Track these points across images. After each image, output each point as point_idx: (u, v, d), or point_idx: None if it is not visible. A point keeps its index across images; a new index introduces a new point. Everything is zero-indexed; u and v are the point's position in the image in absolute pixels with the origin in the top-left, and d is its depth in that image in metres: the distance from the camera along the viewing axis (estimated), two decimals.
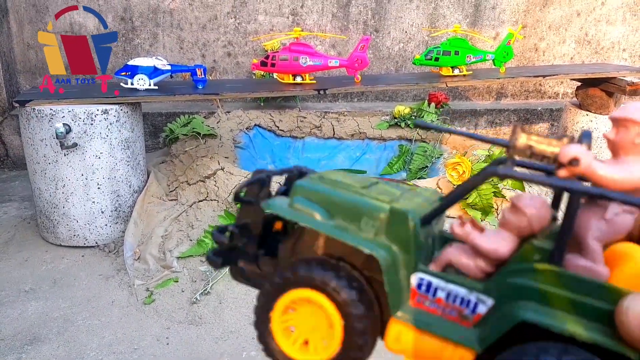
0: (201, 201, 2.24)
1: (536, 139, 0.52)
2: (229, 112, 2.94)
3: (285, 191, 0.69)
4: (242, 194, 0.67)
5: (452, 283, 0.56)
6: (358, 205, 0.58)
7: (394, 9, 3.32)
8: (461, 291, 0.55)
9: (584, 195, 0.50)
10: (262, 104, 3.13)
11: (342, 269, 0.59)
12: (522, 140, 0.52)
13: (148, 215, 2.25)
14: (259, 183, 0.66)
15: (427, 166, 2.78)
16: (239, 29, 3.20)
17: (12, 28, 2.97)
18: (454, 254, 0.57)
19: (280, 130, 2.99)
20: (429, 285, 0.56)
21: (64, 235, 2.19)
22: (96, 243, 2.21)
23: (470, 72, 2.62)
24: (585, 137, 0.55)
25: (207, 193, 2.25)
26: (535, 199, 0.54)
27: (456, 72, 2.59)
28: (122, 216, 2.24)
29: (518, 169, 0.56)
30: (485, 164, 2.15)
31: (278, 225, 0.69)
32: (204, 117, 2.89)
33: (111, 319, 1.78)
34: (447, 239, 0.63)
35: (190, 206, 2.24)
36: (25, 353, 1.62)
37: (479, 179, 0.55)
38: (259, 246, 0.67)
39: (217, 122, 2.85)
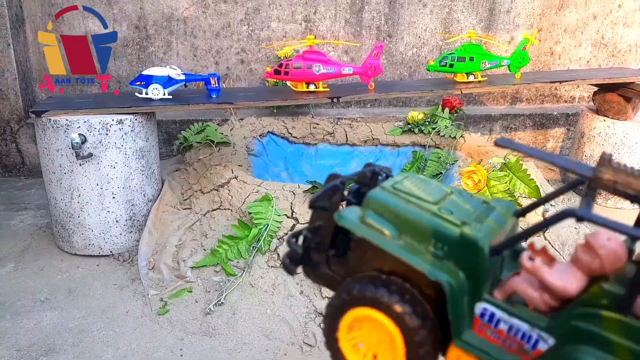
0: (215, 210, 2.24)
1: (623, 173, 0.50)
2: (242, 119, 2.94)
3: (356, 195, 0.70)
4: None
5: (515, 317, 0.55)
6: (428, 227, 0.58)
7: (407, 14, 3.30)
8: (523, 326, 0.55)
9: None
10: (275, 110, 3.13)
11: (393, 283, 0.60)
12: (608, 174, 0.51)
13: (162, 224, 2.25)
14: (334, 189, 0.68)
15: (441, 172, 2.75)
16: (252, 36, 3.21)
17: (28, 37, 3.00)
18: (521, 285, 0.57)
19: (294, 137, 2.99)
20: (492, 315, 0.56)
21: (79, 244, 2.20)
22: (111, 252, 2.22)
23: (485, 78, 2.59)
24: None
25: (221, 202, 2.25)
26: (612, 240, 0.52)
27: (471, 78, 2.56)
28: (136, 225, 2.25)
29: (597, 209, 0.53)
30: (502, 173, 2.13)
31: None
32: (218, 124, 2.90)
33: (125, 329, 1.79)
34: (517, 254, 0.62)
35: (204, 215, 2.24)
36: None
37: (554, 219, 0.54)
38: (329, 247, 0.69)
39: (231, 130, 2.85)
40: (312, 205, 0.67)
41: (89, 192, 2.11)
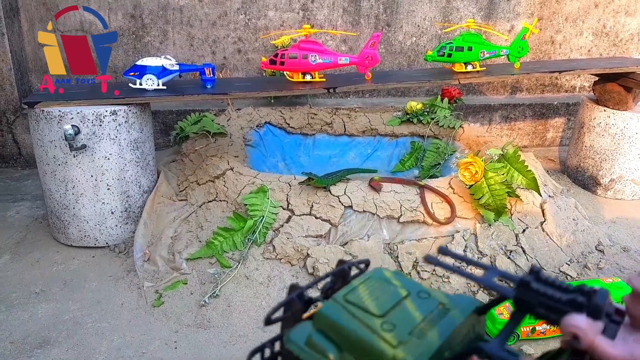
0: (210, 202, 2.23)
1: (543, 297, 0.49)
2: (239, 109, 2.92)
3: (332, 292, 0.71)
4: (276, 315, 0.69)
5: None
6: (365, 346, 0.59)
7: (406, 2, 3.26)
8: None
9: None
10: (272, 101, 3.10)
11: None
12: (529, 297, 0.50)
13: (158, 215, 2.24)
14: (291, 303, 0.69)
15: (439, 163, 2.73)
16: (249, 25, 3.17)
17: (23, 27, 2.97)
18: None
19: (291, 127, 2.97)
20: None
21: (75, 235, 2.20)
22: (106, 243, 2.22)
23: (484, 68, 2.57)
24: (600, 298, 0.48)
25: (217, 193, 2.24)
26: None
27: (469, 68, 2.53)
28: (132, 217, 2.24)
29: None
30: (500, 164, 2.11)
31: None
32: (215, 114, 2.88)
33: (120, 321, 1.78)
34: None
35: (200, 207, 2.23)
36: (34, 357, 1.63)
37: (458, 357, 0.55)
38: None
39: (228, 120, 2.83)
40: (267, 322, 0.67)
41: (84, 183, 2.10)
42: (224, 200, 2.21)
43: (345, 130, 3.00)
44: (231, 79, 3.03)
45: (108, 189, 2.14)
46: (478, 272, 1.71)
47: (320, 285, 0.76)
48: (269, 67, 2.35)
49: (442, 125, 2.86)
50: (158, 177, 2.40)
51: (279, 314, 0.70)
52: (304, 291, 0.70)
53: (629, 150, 2.77)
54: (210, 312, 1.80)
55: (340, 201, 2.11)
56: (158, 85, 2.18)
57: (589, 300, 0.47)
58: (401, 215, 2.11)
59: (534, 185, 2.10)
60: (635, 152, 2.77)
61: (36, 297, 1.91)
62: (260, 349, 0.69)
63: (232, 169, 2.30)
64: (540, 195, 2.19)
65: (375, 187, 2.15)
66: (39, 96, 2.12)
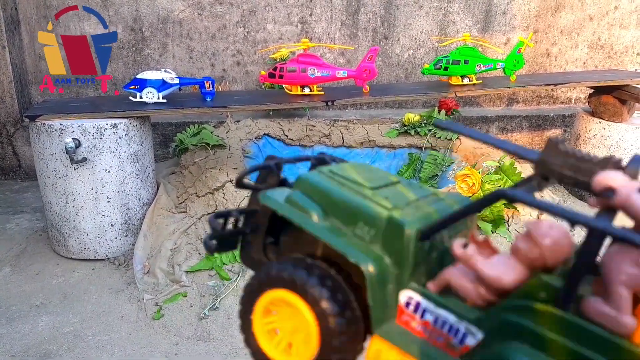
0: (210, 214, 2.25)
1: (572, 158, 0.45)
2: (238, 121, 2.94)
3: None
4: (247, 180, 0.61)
5: (442, 307, 0.50)
6: (356, 209, 0.54)
7: (403, 15, 3.30)
8: (450, 318, 0.50)
9: (608, 236, 0.42)
10: (271, 112, 3.13)
11: (315, 267, 0.55)
12: (556, 158, 0.45)
13: (157, 228, 2.26)
14: (266, 170, 0.62)
15: (437, 174, 2.76)
16: (248, 38, 3.21)
17: (23, 39, 3.00)
18: (454, 275, 0.51)
19: (290, 139, 2.99)
20: (417, 305, 0.51)
21: (75, 248, 2.21)
22: (106, 256, 2.23)
23: (480, 81, 2.60)
24: (635, 163, 0.46)
25: (216, 205, 2.25)
26: (555, 229, 0.46)
27: (466, 81, 2.56)
28: (131, 229, 2.25)
29: (537, 193, 0.48)
30: (497, 176, 2.13)
31: None
32: (214, 126, 2.90)
33: (120, 334, 1.79)
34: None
35: (199, 219, 2.25)
36: None
37: (486, 200, 0.49)
38: (266, 234, 0.63)
39: (227, 132, 2.85)
40: (238, 183, 0.60)
41: (84, 196, 2.12)
42: None
43: (343, 142, 3.02)
44: (230, 92, 3.06)
45: (108, 201, 2.15)
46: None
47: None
48: (268, 80, 2.37)
49: (440, 137, 2.88)
50: (157, 189, 2.42)
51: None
52: (282, 163, 0.63)
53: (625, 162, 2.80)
54: (210, 324, 1.81)
55: None
56: (158, 98, 2.20)
57: (621, 162, 0.44)
58: None
59: None
60: None
61: (36, 309, 1.92)
62: (225, 215, 0.60)
63: (231, 181, 2.31)
64: None
65: None
66: (40, 109, 2.14)
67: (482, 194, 2.10)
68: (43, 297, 1.99)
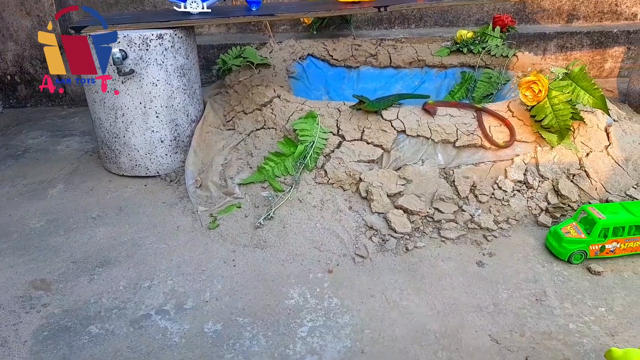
0: (259, 129, 2.19)
1: None
2: (280, 42, 2.83)
3: None
4: None
5: None
6: None
7: None
8: None
9: None
10: (314, 32, 3.00)
11: None
12: None
13: (207, 144, 2.22)
14: None
15: (492, 93, 2.60)
16: None
17: None
18: None
19: (334, 59, 2.87)
20: None
21: (126, 165, 2.20)
22: (157, 173, 2.22)
23: None
24: None
25: (265, 121, 2.19)
26: None
27: None
28: (181, 146, 2.22)
29: None
30: (565, 82, 1.98)
31: None
32: (256, 47, 2.80)
33: (177, 242, 1.79)
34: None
35: (249, 135, 2.20)
36: (97, 275, 1.65)
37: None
38: None
39: (270, 52, 2.75)
40: None
41: (133, 110, 2.08)
42: (273, 128, 2.16)
43: (390, 62, 2.88)
44: (276, 3, 2.92)
45: (157, 116, 2.12)
46: None
47: None
48: None
49: (495, 55, 2.71)
50: (204, 108, 2.37)
51: None
52: None
53: None
54: (265, 233, 1.79)
55: (392, 126, 2.04)
56: (203, 8, 2.10)
57: None
58: (457, 139, 2.02)
59: (601, 105, 1.97)
60: None
61: (93, 221, 1.93)
62: None
63: (279, 97, 2.24)
64: (609, 115, 2.06)
65: (429, 110, 2.06)
66: (85, 22, 2.08)
67: (547, 103, 1.96)
68: (99, 210, 2.00)
